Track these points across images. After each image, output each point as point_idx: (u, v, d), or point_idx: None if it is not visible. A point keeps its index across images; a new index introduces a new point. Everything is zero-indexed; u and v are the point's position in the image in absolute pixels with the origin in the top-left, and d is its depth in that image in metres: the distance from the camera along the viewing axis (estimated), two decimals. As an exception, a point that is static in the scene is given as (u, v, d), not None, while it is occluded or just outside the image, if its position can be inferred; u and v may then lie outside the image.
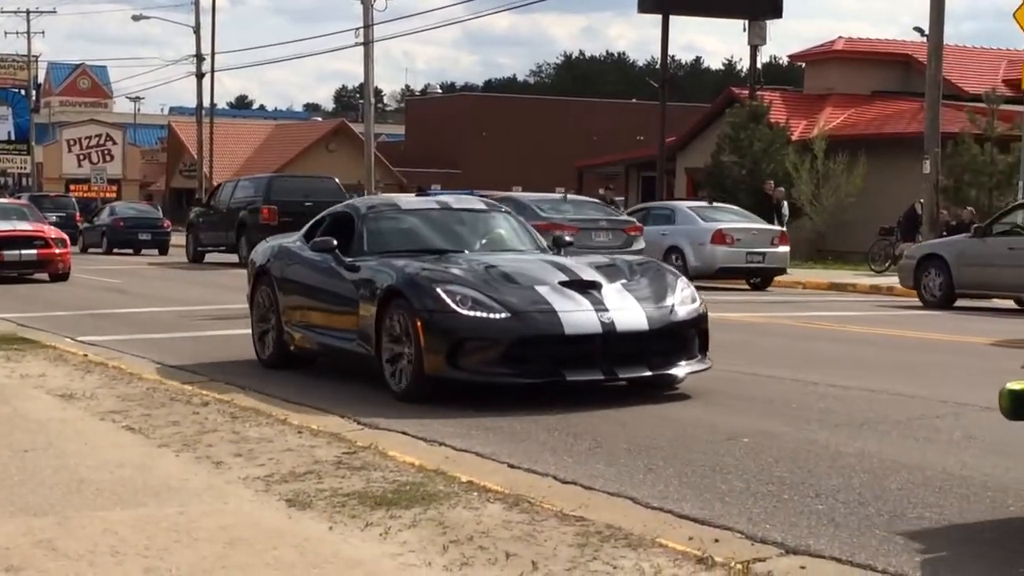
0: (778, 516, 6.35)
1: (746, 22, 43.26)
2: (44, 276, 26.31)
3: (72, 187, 70.87)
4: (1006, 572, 5.33)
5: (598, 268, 10.64)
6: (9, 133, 76.61)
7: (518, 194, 28.67)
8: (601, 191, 38.34)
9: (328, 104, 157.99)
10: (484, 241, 11.85)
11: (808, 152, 38.85)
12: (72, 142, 78.23)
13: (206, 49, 60.41)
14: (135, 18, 66.22)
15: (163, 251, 43.96)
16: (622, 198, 44.97)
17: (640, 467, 7.45)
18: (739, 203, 35.83)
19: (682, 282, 10.59)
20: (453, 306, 9.68)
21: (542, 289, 9.99)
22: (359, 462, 7.51)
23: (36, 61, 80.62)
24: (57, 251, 26.25)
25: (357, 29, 44.25)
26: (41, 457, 7.64)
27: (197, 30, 60.81)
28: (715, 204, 29.80)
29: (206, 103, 61.60)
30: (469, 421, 9.17)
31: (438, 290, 9.81)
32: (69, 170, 76.15)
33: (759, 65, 44.22)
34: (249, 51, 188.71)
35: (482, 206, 12.68)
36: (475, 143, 78.00)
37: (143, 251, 44.53)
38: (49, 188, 72.88)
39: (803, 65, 51.97)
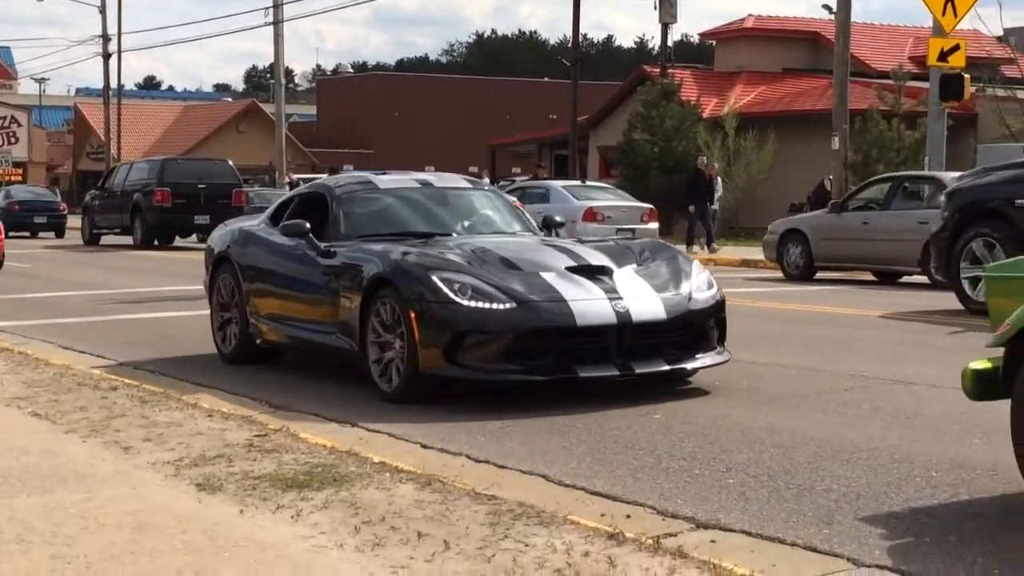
0: (689, 491, 6.39)
1: (657, 0, 43.41)
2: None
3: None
4: (912, 541, 5.41)
5: (604, 251, 9.81)
6: (-89, 116, 75.19)
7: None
8: (474, 169, 39.41)
9: (238, 84, 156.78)
10: (471, 222, 10.93)
11: (719, 129, 39.14)
12: (-24, 125, 76.87)
13: (112, 29, 59.64)
14: (39, -2, 65.19)
15: (59, 234, 44.53)
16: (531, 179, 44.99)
17: (554, 445, 7.46)
18: (651, 180, 36.06)
19: (696, 266, 9.84)
20: (451, 295, 8.76)
21: (548, 275, 9.12)
22: (270, 444, 7.46)
23: (-62, 42, 79.19)
24: None
25: (267, 8, 43.87)
26: (-55, 445, 7.50)
27: (103, 9, 60.01)
28: (587, 183, 31.09)
29: (113, 84, 60.81)
30: (379, 403, 9.13)
31: (433, 278, 8.89)
32: (-27, 153, 74.80)
33: (670, 43, 44.41)
34: (157, 31, 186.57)
35: (467, 184, 11.74)
36: (388, 123, 77.71)
37: (40, 234, 44.88)
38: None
39: (713, 43, 52.32)
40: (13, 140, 76.19)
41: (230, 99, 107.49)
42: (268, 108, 68.69)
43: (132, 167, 36.88)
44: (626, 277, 9.29)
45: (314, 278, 10.14)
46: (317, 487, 6.39)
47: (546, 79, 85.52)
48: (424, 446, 7.63)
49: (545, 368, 8.72)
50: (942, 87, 23.01)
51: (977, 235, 15.31)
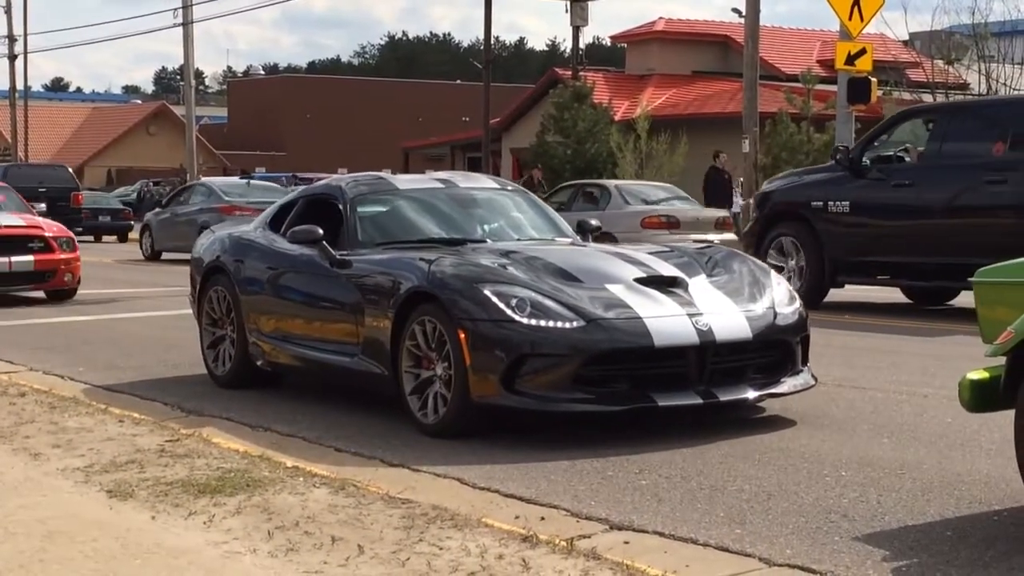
0: (603, 493, 6.43)
1: (568, 2, 43.60)
2: (40, 294, 18.28)
3: None
4: (821, 541, 5.48)
5: (669, 259, 8.66)
6: None
7: (209, 179, 33.34)
8: (387, 170, 40.24)
9: (148, 86, 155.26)
10: (501, 226, 9.72)
11: (631, 132, 39.34)
12: None
13: (19, 30, 58.78)
14: (-58, -3, 63.99)
15: None
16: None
17: (467, 449, 7.47)
18: (565, 182, 36.12)
19: (775, 277, 8.71)
20: (509, 312, 7.56)
21: (616, 288, 7.97)
22: (183, 450, 7.41)
23: None
24: (62, 256, 17.91)
25: (176, 9, 43.48)
26: None
27: (8, 10, 59.13)
28: (251, 182, 31.46)
29: (20, 85, 59.95)
30: (294, 406, 9.09)
31: (485, 291, 7.69)
32: None
33: (582, 46, 44.61)
34: (64, 32, 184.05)
35: (495, 184, 10.48)
36: (300, 125, 77.35)
37: None
38: None
39: (625, 46, 52.60)
40: (-84, 142, 74.81)
41: (139, 101, 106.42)
42: (178, 110, 68.09)
43: None
44: (701, 289, 8.18)
45: (330, 292, 8.95)
46: (230, 492, 6.36)
47: (459, 81, 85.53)
48: (338, 450, 7.60)
49: (619, 396, 7.61)
50: (850, 90, 23.28)
51: (780, 235, 15.75)
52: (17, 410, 8.78)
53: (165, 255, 29.50)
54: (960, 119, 14.96)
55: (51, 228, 18.35)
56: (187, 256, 29.42)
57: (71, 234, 18.69)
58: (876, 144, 15.59)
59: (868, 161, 15.19)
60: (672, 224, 24.17)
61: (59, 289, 17.95)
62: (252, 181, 32.23)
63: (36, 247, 17.72)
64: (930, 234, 14.30)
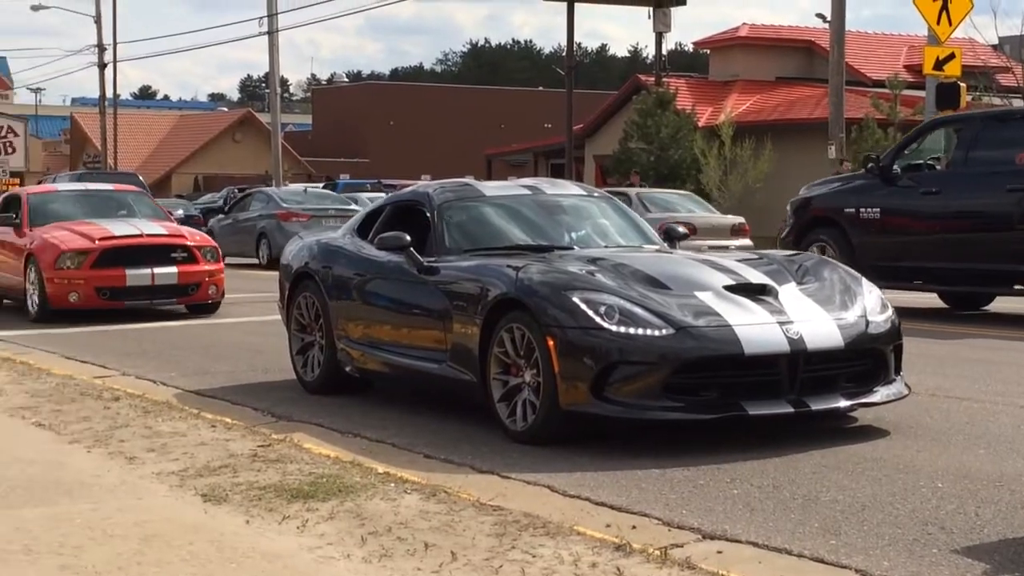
0: (694, 502, 6.40)
1: (651, 9, 43.50)
2: (182, 307, 17.12)
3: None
4: (919, 554, 5.42)
5: (758, 266, 8.58)
6: (-93, 125, 75.14)
7: (267, 188, 34.19)
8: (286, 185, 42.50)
9: (233, 94, 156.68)
10: (589, 234, 9.65)
11: (715, 138, 39.18)
12: (-29, 134, 76.80)
13: (108, 39, 59.63)
14: (34, 8, 65.01)
15: None
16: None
17: (556, 456, 7.46)
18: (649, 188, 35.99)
19: (866, 283, 8.58)
20: (598, 320, 7.54)
21: (704, 296, 7.91)
22: (275, 455, 7.47)
23: (-67, 52, 79.15)
24: (207, 267, 16.77)
25: (261, 18, 43.89)
26: (-51, 456, 7.52)
27: (98, 19, 59.99)
28: (308, 190, 32.68)
29: (109, 94, 60.84)
30: (383, 412, 9.14)
31: (574, 298, 7.66)
32: (-31, 162, 74.76)
33: (664, 52, 44.48)
34: (152, 41, 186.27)
35: (581, 191, 10.50)
36: (383, 132, 77.72)
37: None
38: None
39: (708, 52, 52.38)
40: (10, 150, 75.97)
41: (225, 109, 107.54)
42: (263, 117, 68.78)
43: (56, 179, 40.21)
44: (792, 297, 8.09)
45: (418, 298, 8.97)
46: (322, 497, 6.41)
47: (540, 88, 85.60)
48: (427, 456, 7.62)
49: (709, 405, 7.55)
50: (938, 96, 23.05)
51: (815, 241, 15.96)
52: (112, 414, 8.90)
53: (228, 260, 30.01)
54: (986, 128, 15.08)
55: (194, 237, 17.32)
56: (248, 261, 29.80)
57: (214, 243, 17.63)
58: (907, 152, 15.86)
59: (899, 169, 15.40)
60: (689, 230, 24.29)
61: (202, 303, 16.79)
62: (309, 189, 33.73)
63: (179, 257, 16.54)
64: (955, 240, 14.61)
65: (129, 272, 16.09)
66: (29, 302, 16.41)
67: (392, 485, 6.69)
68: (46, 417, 8.79)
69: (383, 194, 34.83)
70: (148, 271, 16.21)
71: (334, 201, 30.88)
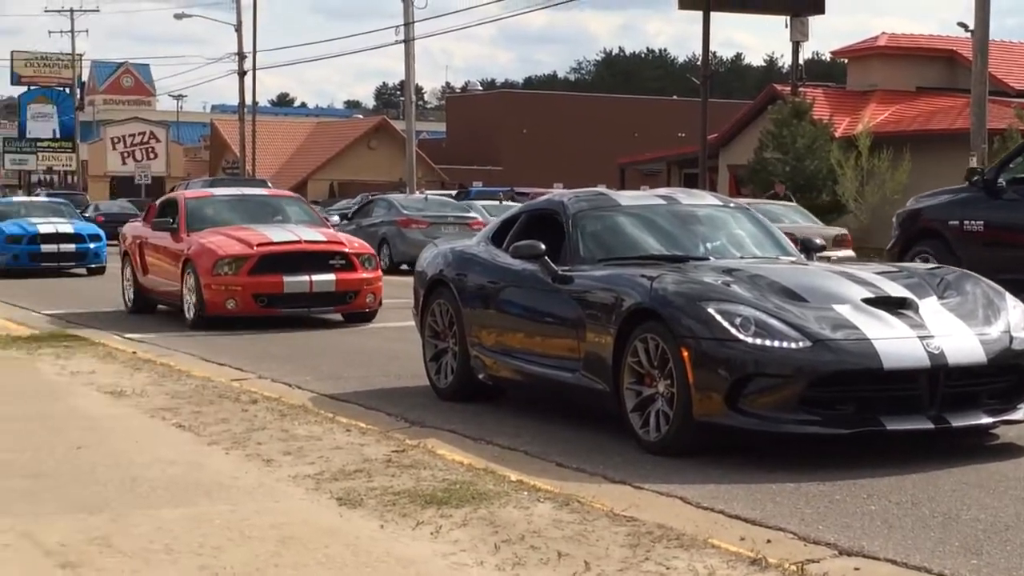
0: (830, 517, 6.32)
1: (788, 18, 43.06)
2: (338, 315, 16.62)
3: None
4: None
5: (898, 279, 8.42)
6: (54, 131, 77.15)
7: (389, 195, 35.19)
8: (418, 193, 43.06)
9: (369, 101, 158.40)
10: (724, 244, 9.57)
11: (852, 149, 38.65)
12: (116, 140, 78.61)
13: (248, 47, 60.65)
14: (177, 16, 66.79)
15: None
16: None
17: (689, 467, 7.42)
18: (780, 200, 35.71)
19: (1010, 299, 8.39)
20: (733, 331, 7.50)
21: (843, 309, 7.80)
22: (408, 460, 7.53)
23: (80, 60, 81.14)
24: (365, 275, 16.24)
25: (397, 27, 44.29)
26: (94, 454, 7.70)
27: (239, 28, 61.02)
28: (428, 197, 33.10)
29: (248, 101, 61.84)
30: (515, 420, 9.16)
31: (709, 310, 7.63)
32: (113, 168, 76.52)
33: (801, 61, 44.00)
34: (290, 49, 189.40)
35: (717, 201, 10.39)
36: (515, 140, 77.96)
37: None
38: (94, 186, 73.42)
39: (846, 61, 51.67)
40: (152, 155, 77.78)
41: (361, 116, 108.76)
42: (398, 125, 69.36)
43: (188, 185, 41.48)
44: (932, 311, 7.95)
45: (552, 307, 8.98)
46: (456, 504, 6.44)
47: (674, 97, 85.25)
48: (560, 465, 7.62)
49: (846, 419, 7.44)
50: (1085, 107, 22.50)
51: (919, 253, 15.88)
52: (249, 416, 9.04)
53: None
54: None
55: (352, 243, 16.74)
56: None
57: (372, 250, 17.15)
58: (1011, 166, 15.73)
59: (1004, 182, 15.28)
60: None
61: (359, 311, 16.27)
62: (429, 196, 34.34)
63: (338, 264, 16.09)
64: None
65: (287, 279, 15.74)
66: (186, 308, 16.19)
67: (525, 493, 6.70)
68: (186, 419, 8.96)
69: (499, 203, 35.76)
70: (306, 278, 15.82)
71: (453, 208, 31.59)
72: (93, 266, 27.60)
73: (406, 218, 29.24)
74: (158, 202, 19.12)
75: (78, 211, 32.17)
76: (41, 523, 6.10)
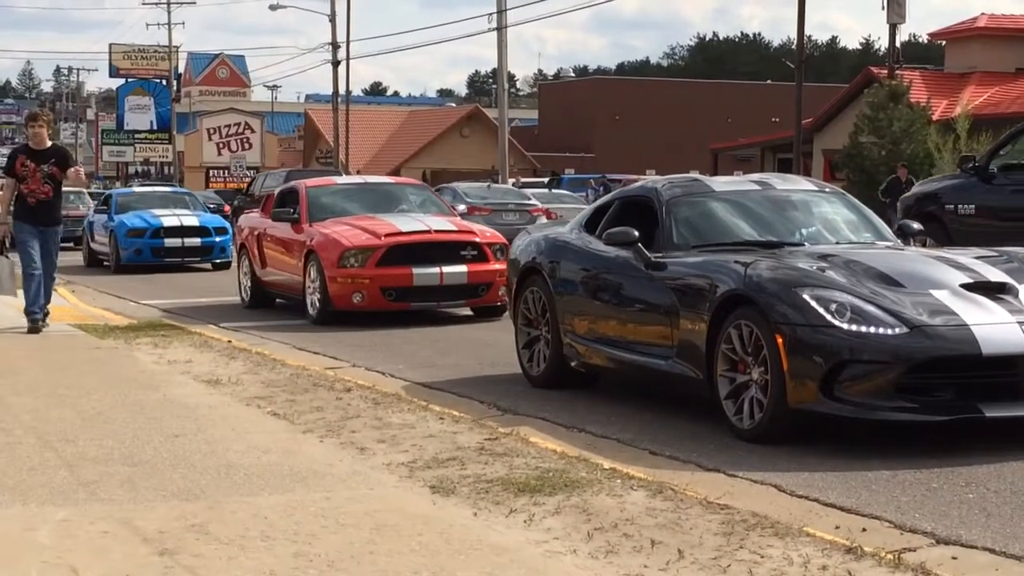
0: (927, 505, 6.24)
1: (885, 0, 42.51)
2: (468, 310, 15.84)
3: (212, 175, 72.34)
4: None
5: (996, 263, 8.29)
6: (151, 123, 78.14)
7: (454, 184, 35.13)
8: (512, 180, 44.26)
9: (461, 89, 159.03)
10: (819, 230, 9.45)
11: (951, 132, 38.11)
12: (212, 131, 79.52)
13: (341, 37, 61.05)
14: (272, 7, 66.88)
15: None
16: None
17: (783, 455, 7.36)
18: (877, 185, 35.34)
19: None
20: (828, 317, 7.44)
21: (940, 294, 7.69)
22: (501, 448, 7.54)
23: (176, 52, 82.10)
24: (498, 266, 14.82)
25: (490, 15, 44.30)
26: (191, 442, 7.80)
27: (332, 18, 61.43)
28: (491, 186, 33.79)
29: (341, 90, 62.27)
30: (607, 408, 9.15)
31: (804, 295, 7.56)
32: (209, 158, 77.41)
33: (898, 44, 43.40)
34: (382, 38, 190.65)
35: (811, 186, 10.20)
36: (608, 127, 77.78)
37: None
38: (190, 177, 74.31)
39: (943, 43, 50.94)
40: (247, 146, 78.59)
41: (453, 104, 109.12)
42: (491, 113, 69.51)
43: (267, 176, 41.90)
44: None
45: (645, 294, 8.93)
46: (549, 492, 6.44)
47: (768, 82, 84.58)
48: (652, 452, 7.61)
49: (943, 406, 7.36)
50: None
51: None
52: (343, 405, 9.10)
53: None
54: None
55: (484, 233, 15.79)
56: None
57: (504, 240, 15.12)
58: (1002, 153, 16.38)
59: (995, 168, 15.92)
60: None
61: (491, 305, 15.38)
62: (492, 185, 34.93)
63: (469, 256, 15.13)
64: None
65: (416, 271, 14.83)
66: (308, 302, 15.34)
67: (618, 481, 6.69)
68: (280, 407, 9.04)
69: (549, 190, 38.25)
70: (436, 270, 14.89)
71: (515, 196, 32.17)
72: (219, 261, 26.19)
73: (470, 206, 29.61)
74: (276, 191, 18.20)
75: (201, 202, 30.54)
76: (139, 510, 6.19)
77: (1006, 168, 15.97)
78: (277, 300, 17.18)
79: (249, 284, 17.56)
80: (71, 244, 29.62)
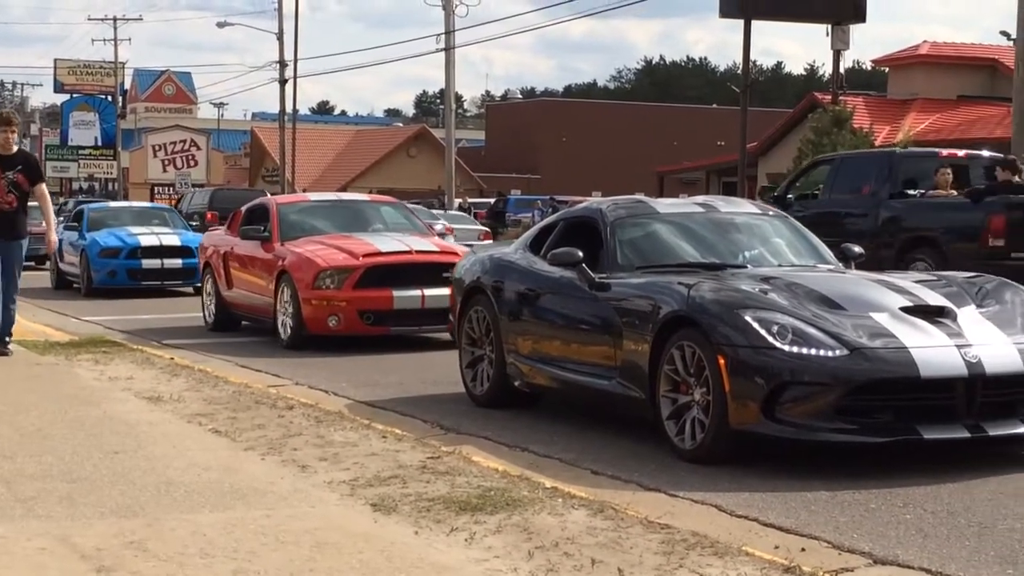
0: (865, 525, 6.30)
1: (829, 26, 42.91)
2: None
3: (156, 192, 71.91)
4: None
5: (936, 288, 8.38)
6: (96, 139, 77.66)
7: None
8: (459, 201, 45.10)
9: (408, 109, 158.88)
10: (762, 252, 9.53)
11: (892, 157, 38.48)
12: (157, 147, 79.08)
13: (288, 55, 60.90)
14: (219, 25, 66.72)
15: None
16: None
17: (724, 475, 7.40)
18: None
19: None
20: (770, 339, 7.48)
21: (880, 317, 7.77)
22: (443, 467, 7.54)
23: (122, 68, 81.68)
24: None
25: (438, 35, 44.42)
26: (130, 459, 7.75)
27: (280, 36, 61.28)
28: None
29: (288, 109, 62.11)
30: (550, 427, 9.16)
31: (746, 317, 7.62)
32: (154, 175, 76.95)
33: (842, 70, 43.81)
34: (330, 57, 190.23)
35: (755, 209, 10.34)
36: (555, 148, 78.04)
37: None
38: (134, 193, 73.84)
39: (887, 70, 51.50)
40: (193, 163, 78.20)
41: (401, 124, 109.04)
42: (438, 133, 69.54)
43: (195, 194, 43.16)
44: (971, 320, 7.90)
45: (589, 314, 8.95)
46: (490, 511, 6.45)
47: (714, 106, 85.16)
48: (595, 472, 7.62)
49: (882, 428, 7.43)
50: None
51: None
52: (286, 422, 9.07)
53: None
54: (843, 165, 18.86)
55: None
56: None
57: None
58: (797, 184, 19.23)
59: (792, 198, 18.39)
60: None
61: None
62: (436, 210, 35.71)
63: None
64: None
65: (396, 294, 14.11)
66: (280, 325, 14.60)
67: (559, 500, 6.71)
68: (222, 424, 9.00)
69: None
70: (418, 293, 14.12)
71: (424, 216, 33.38)
72: (200, 285, 21.87)
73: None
74: (245, 208, 17.03)
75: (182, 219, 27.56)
76: (77, 527, 6.15)
77: (800, 197, 18.58)
78: (243, 322, 16.42)
79: (214, 305, 16.68)
80: (32, 263, 25.99)
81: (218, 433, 8.68)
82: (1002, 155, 19.32)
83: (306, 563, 5.57)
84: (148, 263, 23.08)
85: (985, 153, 20.25)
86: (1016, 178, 16.55)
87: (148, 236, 23.65)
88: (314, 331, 14.18)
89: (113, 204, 31.52)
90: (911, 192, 17.11)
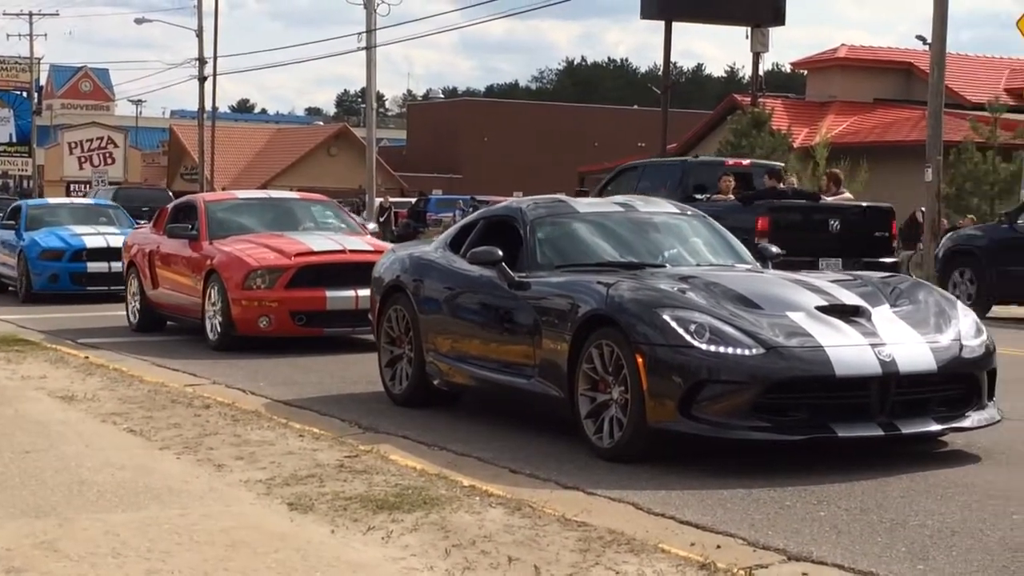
0: (780, 523, 6.35)
1: (748, 29, 43.29)
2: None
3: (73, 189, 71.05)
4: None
5: (852, 287, 8.48)
6: (11, 135, 76.48)
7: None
8: (380, 200, 44.99)
9: (330, 108, 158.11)
10: (681, 252, 9.58)
11: (810, 159, 38.87)
12: (73, 144, 78.06)
13: (208, 52, 60.41)
14: (138, 21, 66.33)
15: None
16: None
17: (642, 473, 7.43)
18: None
19: (961, 307, 8.45)
20: (688, 338, 7.51)
21: (796, 316, 7.84)
22: (361, 466, 7.51)
23: (38, 63, 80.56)
24: None
25: (359, 34, 44.19)
26: (42, 459, 7.65)
27: (200, 33, 60.79)
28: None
29: (208, 106, 61.61)
30: (469, 426, 9.16)
31: (664, 316, 7.64)
32: (70, 173, 75.98)
33: (761, 72, 44.23)
34: (250, 55, 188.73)
35: (674, 209, 10.33)
36: (477, 148, 78.05)
37: None
38: (50, 191, 72.91)
39: (805, 73, 52.07)
40: (110, 161, 77.27)
41: (321, 123, 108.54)
42: (359, 132, 69.29)
43: (98, 192, 42.74)
44: (885, 319, 7.99)
45: (508, 313, 8.92)
46: (407, 509, 6.43)
47: (635, 107, 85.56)
48: (513, 471, 7.62)
49: (798, 426, 7.48)
50: (1038, 119, 22.72)
51: None
52: (201, 422, 9.00)
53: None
54: (646, 171, 20.47)
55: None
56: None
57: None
58: (609, 189, 19.60)
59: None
60: None
61: None
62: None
63: None
64: None
65: (330, 294, 13.81)
66: (208, 327, 14.24)
67: (477, 499, 6.70)
68: (137, 423, 8.91)
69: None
70: (352, 293, 13.68)
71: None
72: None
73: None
74: (171, 206, 16.63)
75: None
76: (-12, 527, 6.05)
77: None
78: (169, 322, 16.11)
79: (138, 305, 16.26)
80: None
81: (133, 432, 8.59)
82: (772, 165, 21.38)
83: (221, 563, 5.52)
84: (94, 266, 21.17)
85: (764, 162, 22.48)
86: (780, 185, 18.92)
87: (94, 237, 21.74)
88: (244, 332, 13.88)
89: (53, 201, 28.17)
90: (698, 196, 18.70)
